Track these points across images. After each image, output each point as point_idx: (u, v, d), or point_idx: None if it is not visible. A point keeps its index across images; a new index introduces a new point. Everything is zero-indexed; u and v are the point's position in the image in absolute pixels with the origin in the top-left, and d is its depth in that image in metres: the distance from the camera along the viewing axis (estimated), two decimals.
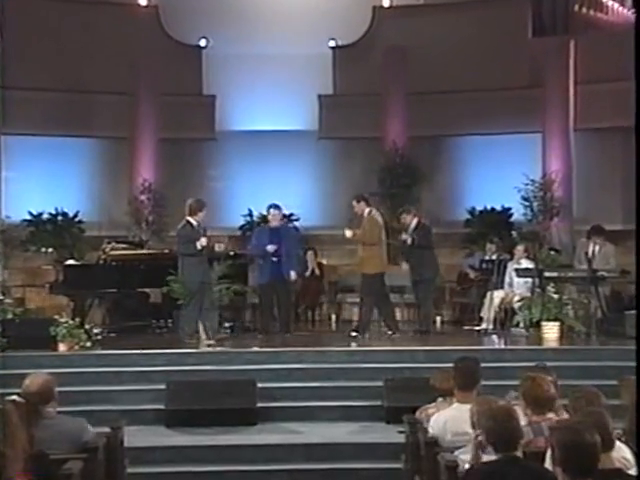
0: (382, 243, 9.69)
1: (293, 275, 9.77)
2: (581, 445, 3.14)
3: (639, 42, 3.00)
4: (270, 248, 9.61)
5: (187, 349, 8.63)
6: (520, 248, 10.64)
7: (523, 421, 4.09)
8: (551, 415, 4.26)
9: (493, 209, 13.46)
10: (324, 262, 13.07)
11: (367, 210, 9.75)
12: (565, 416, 4.31)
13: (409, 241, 9.89)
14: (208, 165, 14.79)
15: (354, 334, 9.57)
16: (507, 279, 10.54)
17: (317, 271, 12.71)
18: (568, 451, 3.17)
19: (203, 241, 9.00)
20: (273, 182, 13.92)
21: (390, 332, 9.66)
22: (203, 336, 9.07)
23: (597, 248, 10.10)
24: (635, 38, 3.04)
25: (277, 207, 9.98)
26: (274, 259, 9.59)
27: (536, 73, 13.83)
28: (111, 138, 14.06)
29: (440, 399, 5.15)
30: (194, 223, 9.07)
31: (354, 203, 9.84)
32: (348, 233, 9.66)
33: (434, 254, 10.08)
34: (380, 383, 7.35)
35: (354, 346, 9.01)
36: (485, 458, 3.88)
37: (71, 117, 13.59)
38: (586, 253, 9.84)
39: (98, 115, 13.82)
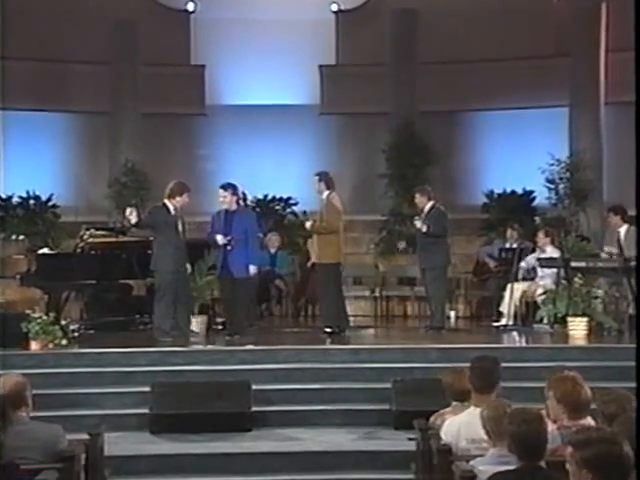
0: (340, 232, 9.58)
1: (252, 270, 9.23)
2: (612, 457, 3.11)
3: (639, 41, 3.13)
4: (220, 240, 9.14)
5: (174, 347, 8.63)
6: (541, 234, 10.60)
7: (549, 426, 4.09)
8: (585, 421, 4.25)
9: (514, 192, 13.44)
10: None
11: (326, 193, 9.50)
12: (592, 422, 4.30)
13: (424, 229, 9.77)
14: (197, 143, 14.78)
15: (328, 330, 9.40)
16: (523, 265, 10.45)
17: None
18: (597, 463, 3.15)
19: (132, 216, 9.01)
20: (269, 163, 13.92)
21: (329, 330, 9.41)
22: (195, 330, 9.09)
23: (623, 232, 9.96)
24: (635, 38, 3.16)
25: (229, 187, 9.28)
26: (229, 248, 9.15)
27: (563, 40, 13.79)
28: (89, 113, 14.05)
29: (455, 403, 5.14)
30: (171, 207, 9.07)
31: (315, 179, 9.59)
32: (308, 224, 9.56)
33: (447, 243, 10.02)
34: (388, 385, 7.35)
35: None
36: (501, 468, 3.87)
37: (44, 89, 13.58)
38: (618, 240, 9.79)
39: (74, 87, 13.80)
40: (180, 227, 9.08)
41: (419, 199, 10.02)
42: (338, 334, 9.38)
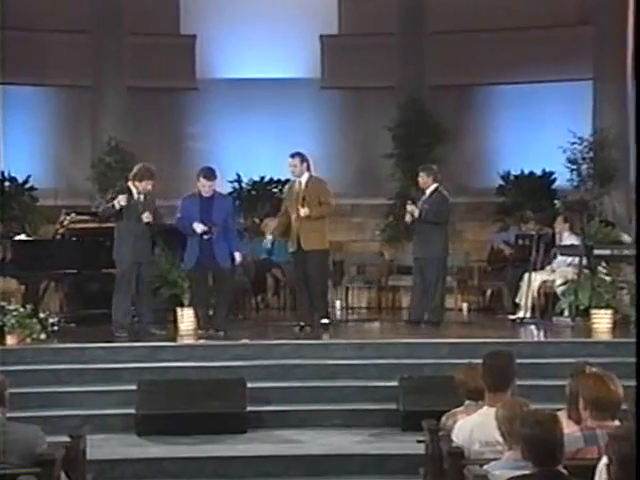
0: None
1: (238, 257, 9.21)
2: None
3: (639, 42, 3.28)
4: (199, 228, 9.03)
5: (162, 342, 8.64)
6: (559, 220, 10.60)
7: (569, 428, 4.09)
8: (611, 422, 4.25)
9: (532, 174, 13.44)
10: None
11: (307, 175, 9.44)
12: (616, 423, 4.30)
13: (415, 213, 9.61)
14: (187, 120, 14.77)
15: (326, 321, 9.43)
16: (534, 252, 10.40)
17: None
18: (628, 466, 3.16)
19: (121, 199, 8.96)
20: (266, 142, 13.90)
21: (327, 321, 9.46)
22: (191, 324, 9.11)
23: None
24: (635, 38, 3.21)
25: (211, 174, 9.15)
26: (205, 237, 9.06)
27: (586, 7, 13.75)
28: (69, 87, 14.03)
29: (468, 402, 5.14)
30: (134, 191, 9.08)
31: (294, 161, 9.46)
32: (304, 211, 9.31)
33: (446, 231, 9.93)
34: (395, 382, 7.36)
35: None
36: (518, 472, 3.88)
37: (18, 61, 13.51)
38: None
39: (52, 58, 13.76)
40: (147, 214, 9.03)
41: (424, 179, 9.92)
42: (310, 326, 9.35)
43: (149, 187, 9.14)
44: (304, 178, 9.45)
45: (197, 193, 9.23)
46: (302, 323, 9.44)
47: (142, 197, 9.12)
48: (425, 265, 9.76)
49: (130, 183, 9.17)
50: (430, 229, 9.69)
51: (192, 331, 9.20)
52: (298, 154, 9.52)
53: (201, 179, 9.18)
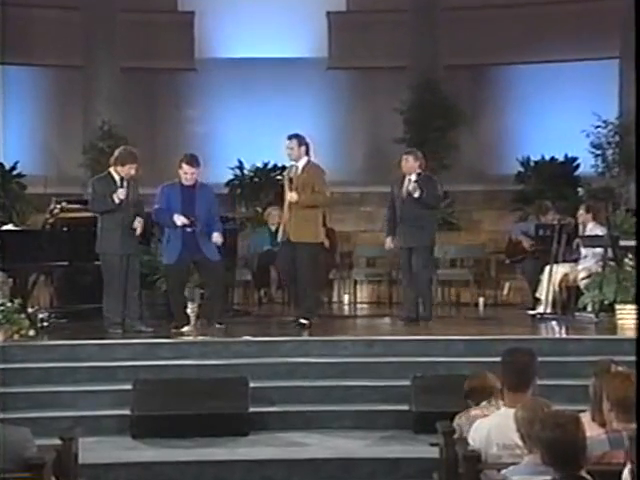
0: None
1: (216, 237, 9.04)
2: None
3: (639, 40, 3.33)
4: (178, 221, 8.93)
5: (159, 339, 8.65)
6: (582, 209, 10.58)
7: (593, 430, 4.08)
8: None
9: (553, 159, 13.42)
10: (335, 229, 13.06)
11: (305, 159, 9.35)
12: None
13: (416, 193, 9.43)
14: (186, 103, 14.77)
15: (304, 322, 9.24)
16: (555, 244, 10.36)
17: (326, 240, 12.69)
18: None
19: (120, 193, 8.90)
20: (269, 126, 13.88)
21: (305, 321, 9.26)
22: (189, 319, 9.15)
23: None
24: (635, 38, 3.35)
25: (194, 161, 9.10)
26: (188, 230, 8.97)
27: None
28: (58, 67, 14.04)
29: (485, 403, 5.15)
30: (116, 177, 9.05)
31: (292, 143, 9.34)
32: (293, 196, 9.23)
33: (434, 217, 9.93)
34: (407, 382, 7.36)
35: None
36: (538, 478, 3.88)
37: (4, 39, 13.50)
38: None
39: (41, 36, 13.76)
40: (138, 221, 9.00)
41: (411, 163, 9.74)
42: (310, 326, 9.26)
43: (132, 172, 9.05)
44: (301, 163, 9.34)
45: (177, 182, 9.14)
46: (309, 321, 9.31)
47: (125, 183, 9.02)
48: (414, 254, 9.64)
49: (112, 169, 9.10)
50: (421, 215, 9.59)
51: (192, 327, 9.21)
52: (296, 136, 9.42)
53: (183, 165, 9.07)
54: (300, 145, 9.34)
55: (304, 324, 9.23)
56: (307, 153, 9.39)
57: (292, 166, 9.48)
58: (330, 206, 9.51)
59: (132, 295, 9.15)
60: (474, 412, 5.10)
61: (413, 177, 9.66)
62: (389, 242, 9.91)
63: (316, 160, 9.53)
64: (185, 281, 9.30)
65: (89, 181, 9.20)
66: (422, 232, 9.59)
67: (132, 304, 9.16)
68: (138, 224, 9.03)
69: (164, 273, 9.42)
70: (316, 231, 9.38)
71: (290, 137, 9.42)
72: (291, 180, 9.28)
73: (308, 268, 9.29)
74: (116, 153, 9.19)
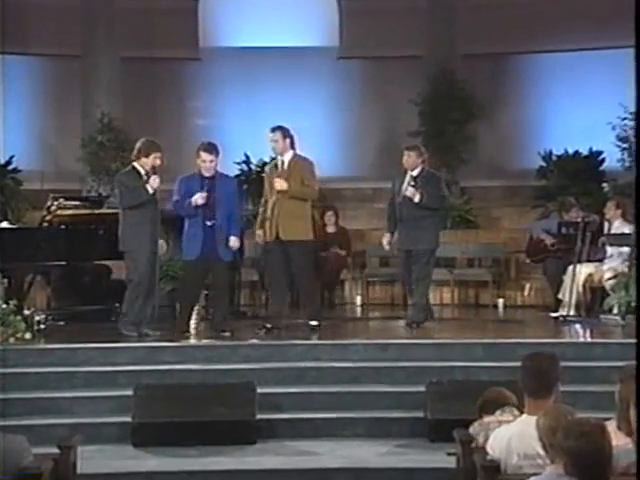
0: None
1: (233, 241, 9.08)
2: None
3: (639, 40, 3.36)
4: (200, 199, 8.90)
5: (161, 342, 8.66)
6: (611, 205, 10.56)
7: (619, 440, 4.07)
8: None
9: (577, 153, 13.39)
10: (347, 227, 13.07)
11: (291, 153, 9.29)
12: None
13: (416, 198, 9.40)
14: (189, 94, 14.79)
15: (314, 324, 9.24)
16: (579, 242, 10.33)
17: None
18: None
19: (154, 181, 8.86)
20: (277, 118, 13.81)
21: (316, 323, 9.24)
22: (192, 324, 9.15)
23: None
24: (635, 37, 3.38)
25: (213, 148, 9.13)
26: (208, 224, 9.00)
27: None
28: (56, 56, 14.06)
29: (498, 412, 5.14)
30: (141, 171, 9.03)
31: (275, 135, 9.31)
32: (280, 184, 9.15)
33: (437, 218, 9.84)
34: (422, 388, 7.37)
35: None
36: None
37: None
38: None
39: (37, 25, 13.77)
40: (156, 182, 8.94)
41: (413, 159, 9.66)
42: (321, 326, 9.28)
43: (158, 161, 9.00)
44: (287, 157, 9.30)
45: (197, 173, 9.15)
46: (269, 325, 9.24)
47: (151, 176, 8.98)
48: (414, 258, 9.56)
49: (135, 163, 9.07)
50: (423, 216, 9.51)
51: (197, 330, 9.22)
52: (279, 128, 9.36)
53: (201, 153, 9.09)
54: (285, 137, 9.29)
55: (314, 326, 9.24)
56: (292, 146, 9.33)
57: (275, 160, 9.39)
58: (320, 200, 9.39)
59: (154, 296, 9.11)
60: (488, 419, 5.10)
61: (415, 174, 9.59)
62: (386, 240, 9.86)
63: (303, 153, 9.46)
64: (203, 280, 9.27)
65: (115, 176, 9.14)
66: (422, 234, 9.50)
67: (149, 306, 9.09)
68: (155, 181, 8.90)
69: (177, 271, 9.39)
70: (307, 227, 9.31)
71: (273, 129, 9.37)
72: (279, 176, 9.21)
73: (305, 268, 9.27)
74: (138, 145, 9.12)
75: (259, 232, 9.35)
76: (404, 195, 9.54)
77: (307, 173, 9.32)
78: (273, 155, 9.60)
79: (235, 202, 9.32)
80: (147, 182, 8.90)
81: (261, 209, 9.47)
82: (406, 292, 10.10)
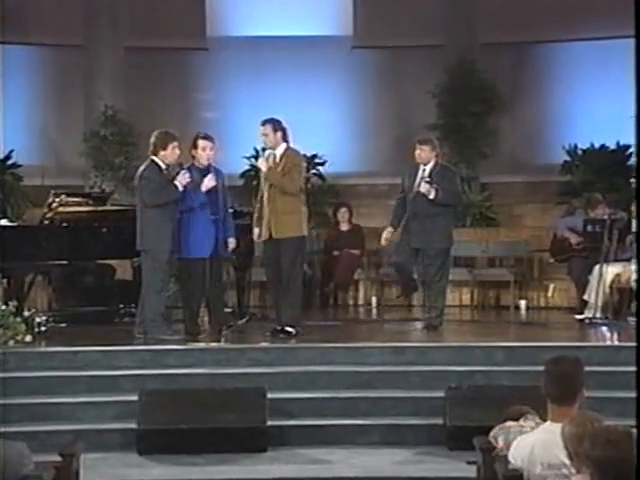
0: (302, 200, 9.37)
1: (232, 243, 9.29)
2: None
3: (639, 39, 3.49)
4: (211, 180, 9.04)
5: (167, 345, 8.67)
6: None
7: None
8: None
9: (604, 147, 13.35)
10: (361, 224, 13.08)
11: (283, 146, 9.25)
12: None
13: (431, 195, 9.38)
14: (196, 86, 14.80)
15: (290, 330, 9.08)
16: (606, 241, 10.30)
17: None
18: None
19: (183, 177, 8.90)
20: (288, 111, 13.83)
21: (291, 330, 9.10)
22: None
23: None
24: (635, 37, 3.53)
25: (269, 121, 9.26)
26: (213, 217, 9.10)
27: None
28: (57, 46, 14.08)
29: (522, 420, 5.14)
30: (161, 165, 9.04)
31: (266, 129, 9.27)
32: (263, 164, 9.19)
33: (451, 215, 9.81)
34: (441, 393, 7.37)
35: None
36: None
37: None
38: None
39: (37, 13, 13.80)
40: (185, 177, 9.01)
41: (427, 154, 9.65)
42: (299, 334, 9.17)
43: (177, 152, 9.04)
44: (279, 150, 9.27)
45: (191, 166, 9.22)
46: (291, 329, 9.15)
47: (172, 168, 9.04)
48: (427, 257, 9.54)
49: (154, 157, 9.06)
50: (436, 213, 9.49)
51: (205, 332, 9.24)
52: (270, 121, 9.33)
53: (200, 142, 9.19)
54: (275, 131, 9.26)
55: (290, 332, 9.10)
56: (285, 139, 9.31)
57: (268, 154, 9.35)
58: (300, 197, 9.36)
59: (165, 296, 9.16)
60: (509, 423, 5.09)
61: (428, 168, 9.59)
62: (386, 234, 9.85)
63: (296, 146, 9.44)
64: (207, 278, 9.22)
65: (139, 172, 9.06)
66: (434, 232, 9.48)
67: (159, 305, 9.07)
68: (185, 177, 8.97)
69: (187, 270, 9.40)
70: (299, 222, 9.25)
71: (264, 122, 9.34)
72: (269, 169, 9.20)
73: (292, 265, 9.15)
74: (152, 139, 9.12)
75: (255, 230, 9.39)
76: (417, 191, 9.54)
77: (295, 167, 9.27)
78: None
79: (227, 197, 9.43)
80: (174, 178, 8.95)
81: (257, 205, 9.48)
82: (404, 291, 10.07)
